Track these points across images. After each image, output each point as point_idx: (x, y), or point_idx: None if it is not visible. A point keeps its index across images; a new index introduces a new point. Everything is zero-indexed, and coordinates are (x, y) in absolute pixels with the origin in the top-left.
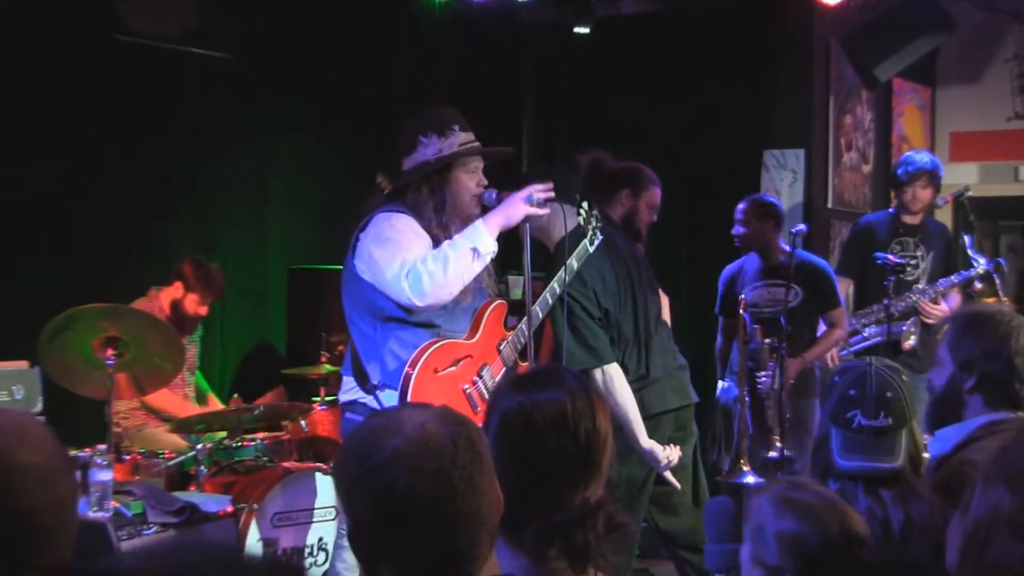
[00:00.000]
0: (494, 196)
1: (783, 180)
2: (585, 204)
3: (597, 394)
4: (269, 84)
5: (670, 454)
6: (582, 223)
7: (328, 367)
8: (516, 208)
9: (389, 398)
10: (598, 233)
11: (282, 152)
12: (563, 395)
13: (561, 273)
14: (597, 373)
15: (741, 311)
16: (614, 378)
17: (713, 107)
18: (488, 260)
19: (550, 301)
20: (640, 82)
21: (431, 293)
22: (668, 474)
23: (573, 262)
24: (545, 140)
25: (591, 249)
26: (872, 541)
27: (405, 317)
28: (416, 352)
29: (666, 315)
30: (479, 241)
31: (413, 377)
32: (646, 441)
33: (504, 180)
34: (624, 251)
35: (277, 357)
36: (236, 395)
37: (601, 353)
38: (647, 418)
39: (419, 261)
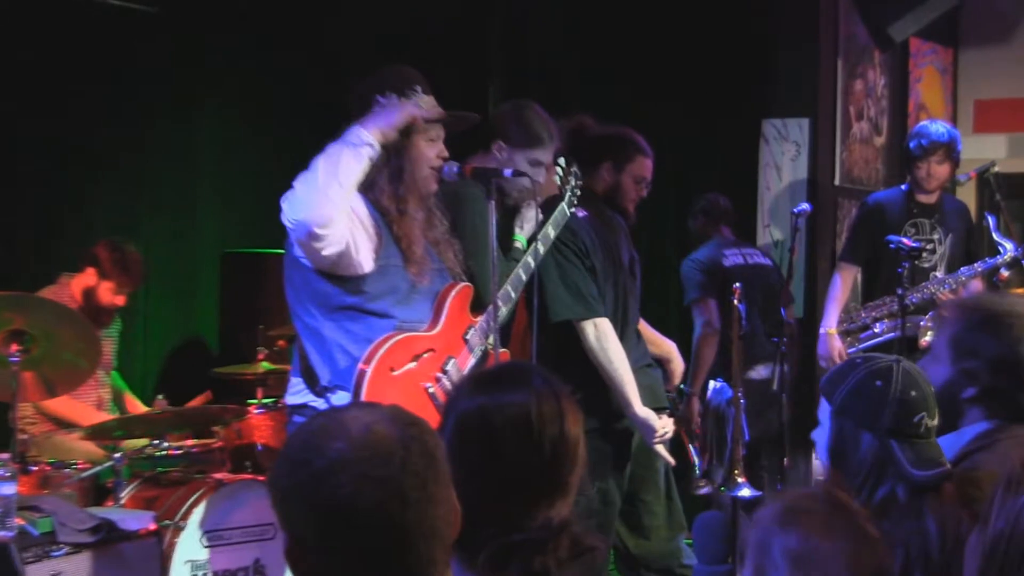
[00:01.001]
0: (455, 170)
1: (784, 154)
2: (562, 162)
3: (567, 397)
4: (200, 43)
5: (666, 424)
6: (559, 182)
7: (267, 365)
8: (400, 111)
9: (340, 399)
10: (576, 193)
11: (214, 121)
12: (527, 397)
13: (536, 245)
14: (588, 327)
15: (735, 301)
16: (607, 334)
17: (705, 70)
18: (366, 154)
19: (524, 278)
20: (623, 43)
21: (304, 200)
22: (661, 448)
23: (549, 229)
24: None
25: (569, 212)
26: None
27: (356, 304)
28: (370, 348)
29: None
30: (352, 136)
31: (368, 375)
32: (640, 408)
33: (468, 154)
34: (610, 229)
35: (208, 354)
36: (160, 396)
37: (593, 304)
38: (618, 418)
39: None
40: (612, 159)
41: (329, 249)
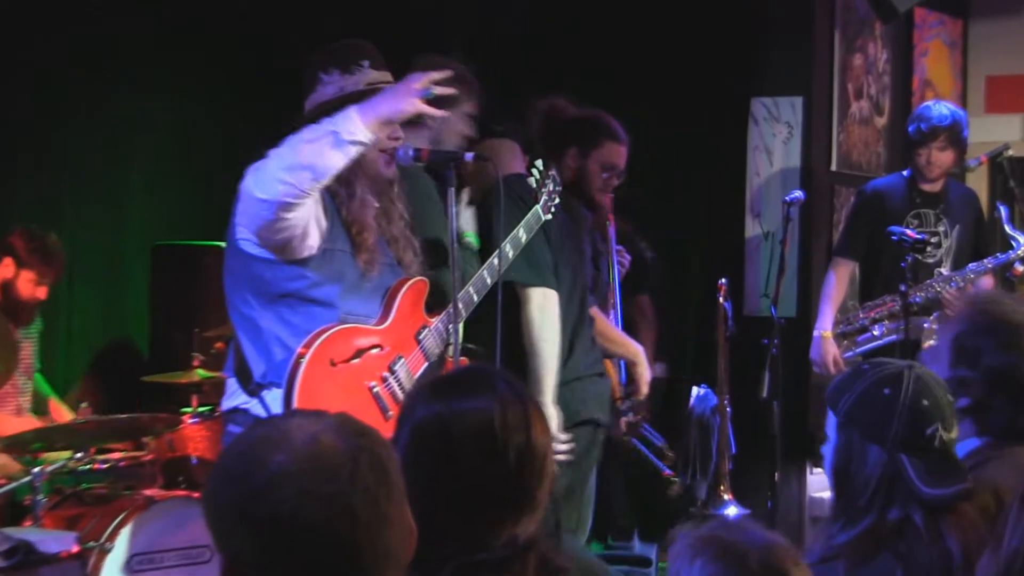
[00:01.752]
0: (411, 153)
1: (776, 136)
2: (539, 164)
3: (534, 404)
4: (129, 19)
5: (564, 446)
6: (535, 185)
7: (202, 372)
8: (404, 97)
9: (276, 398)
10: (555, 198)
11: (146, 103)
12: (490, 403)
13: (503, 247)
14: (535, 295)
15: (721, 299)
16: (551, 309)
17: (687, 44)
18: (354, 151)
19: (489, 282)
20: (599, 14)
21: (272, 179)
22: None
23: (520, 232)
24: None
25: (544, 217)
26: None
27: (297, 291)
28: (311, 335)
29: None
30: (343, 125)
31: (304, 364)
32: (551, 406)
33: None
34: (574, 221)
35: (137, 357)
36: (84, 404)
37: (546, 275)
38: (567, 426)
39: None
40: (578, 144)
41: (284, 233)
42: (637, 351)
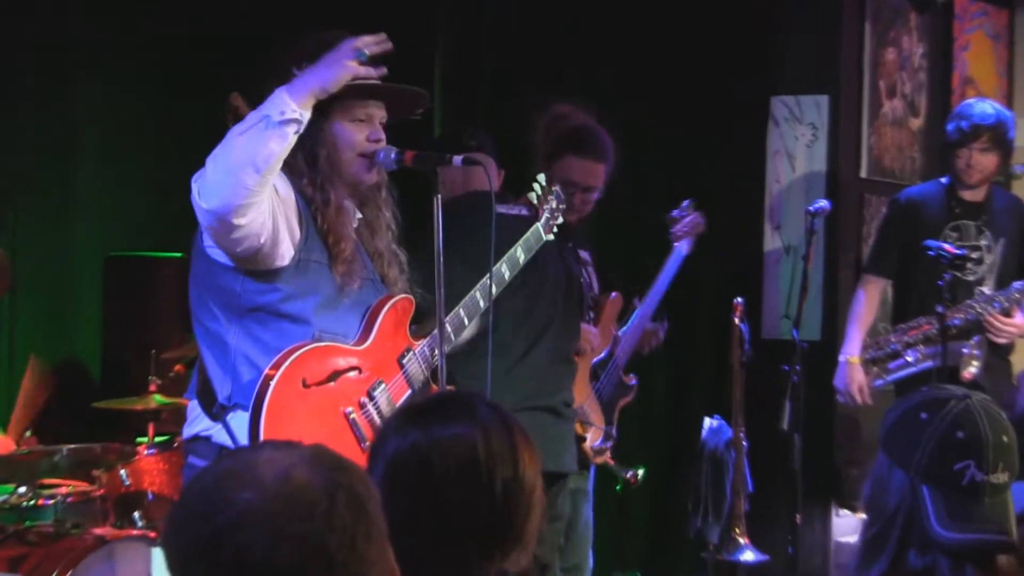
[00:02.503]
0: (392, 156)
1: (798, 138)
2: (541, 178)
3: (520, 430)
4: (80, 13)
5: None
6: (535, 201)
7: (160, 398)
8: (335, 64)
9: (242, 422)
10: (558, 216)
11: (98, 100)
12: (472, 431)
13: (500, 269)
14: None
15: (736, 320)
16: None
17: (700, 36)
18: (292, 132)
19: (481, 304)
20: (598, 2)
21: (213, 185)
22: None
23: (519, 252)
24: (465, 87)
25: (545, 237)
26: None
27: (268, 305)
28: (281, 354)
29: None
30: (272, 107)
31: (273, 384)
32: None
33: (413, 137)
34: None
35: (88, 381)
36: (28, 433)
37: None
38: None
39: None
40: (543, 156)
41: (246, 243)
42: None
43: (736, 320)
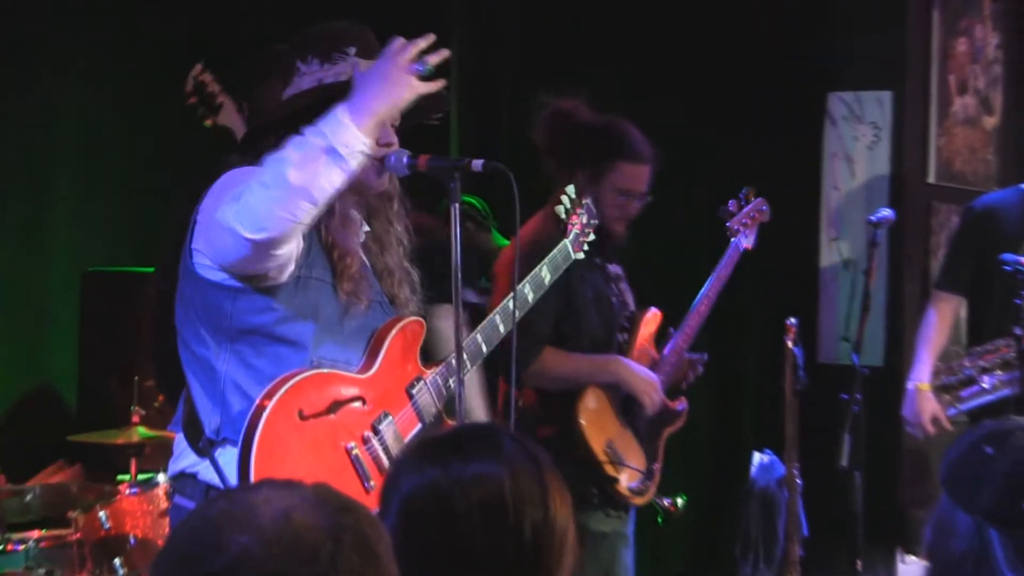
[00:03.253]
0: (404, 160)
1: (858, 139)
2: (570, 190)
3: (550, 468)
4: (50, 13)
5: None
6: (563, 216)
7: (144, 431)
8: (397, 80)
9: (231, 458)
10: (588, 233)
11: (73, 102)
12: (497, 468)
13: (522, 289)
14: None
15: (789, 343)
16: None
17: (748, 26)
18: (356, 166)
19: (501, 329)
20: None
21: (263, 214)
22: None
23: (544, 272)
24: (482, 80)
25: (574, 255)
26: None
27: (262, 327)
28: (274, 382)
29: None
30: (337, 136)
31: (266, 415)
32: None
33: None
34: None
35: (63, 411)
36: None
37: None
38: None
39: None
40: (588, 165)
41: (273, 270)
42: (614, 365)
43: (789, 343)
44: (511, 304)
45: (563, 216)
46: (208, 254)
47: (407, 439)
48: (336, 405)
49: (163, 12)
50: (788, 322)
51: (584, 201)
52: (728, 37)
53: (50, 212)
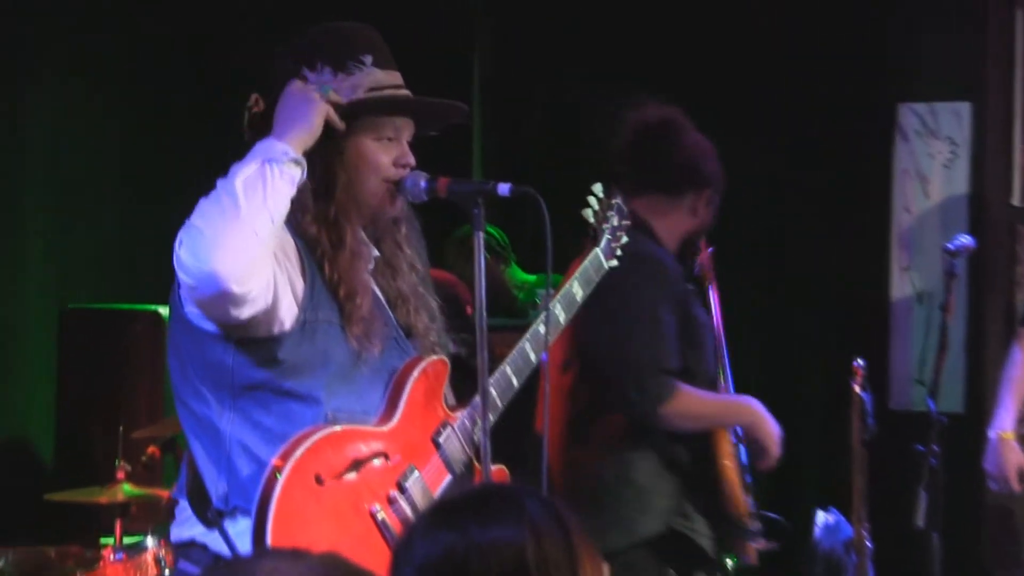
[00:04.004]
0: (422, 184)
1: (933, 156)
2: (598, 189)
3: (580, 533)
4: (26, 25)
5: None
6: (593, 220)
7: (129, 488)
8: (306, 102)
9: (243, 529)
10: (621, 237)
11: (46, 120)
12: (521, 533)
13: (551, 307)
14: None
15: (856, 388)
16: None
17: (810, 30)
18: (296, 172)
19: (533, 358)
20: None
21: (213, 244)
22: None
23: (575, 287)
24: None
25: (607, 264)
26: None
27: (267, 381)
28: (289, 443)
29: None
30: (268, 150)
31: (281, 483)
32: None
33: (449, 162)
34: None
35: (39, 466)
36: None
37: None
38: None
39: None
40: (712, 187)
41: (248, 310)
42: (750, 408)
43: (856, 387)
44: (542, 328)
45: (591, 220)
46: (191, 302)
47: (436, 493)
48: (357, 464)
49: (144, 41)
50: (855, 363)
51: (614, 201)
52: (785, 42)
53: (23, 244)
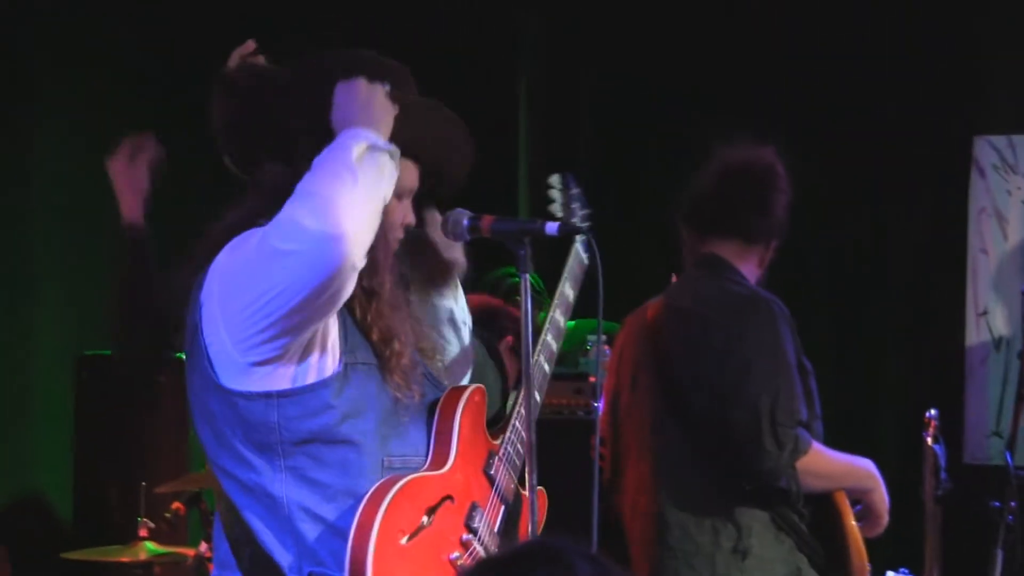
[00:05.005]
0: (464, 223)
1: (1011, 193)
2: (555, 179)
3: None
4: (33, 49)
5: None
6: (562, 213)
7: (152, 547)
8: (373, 97)
9: None
10: (587, 223)
11: (60, 161)
12: None
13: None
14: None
15: (928, 440)
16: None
17: (880, 59)
18: (395, 161)
19: (547, 369)
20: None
21: (342, 208)
22: None
23: (566, 287)
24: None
25: (585, 256)
26: None
27: (322, 432)
28: (362, 507)
29: None
30: (358, 137)
31: (371, 557)
32: None
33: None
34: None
35: (55, 523)
36: None
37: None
38: None
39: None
40: (777, 239)
41: (349, 288)
42: (870, 472)
43: (928, 440)
44: (551, 339)
45: (560, 214)
46: (238, 335)
47: (497, 528)
48: (430, 512)
49: (156, 72)
50: (928, 414)
51: (572, 190)
52: (853, 72)
53: (37, 286)
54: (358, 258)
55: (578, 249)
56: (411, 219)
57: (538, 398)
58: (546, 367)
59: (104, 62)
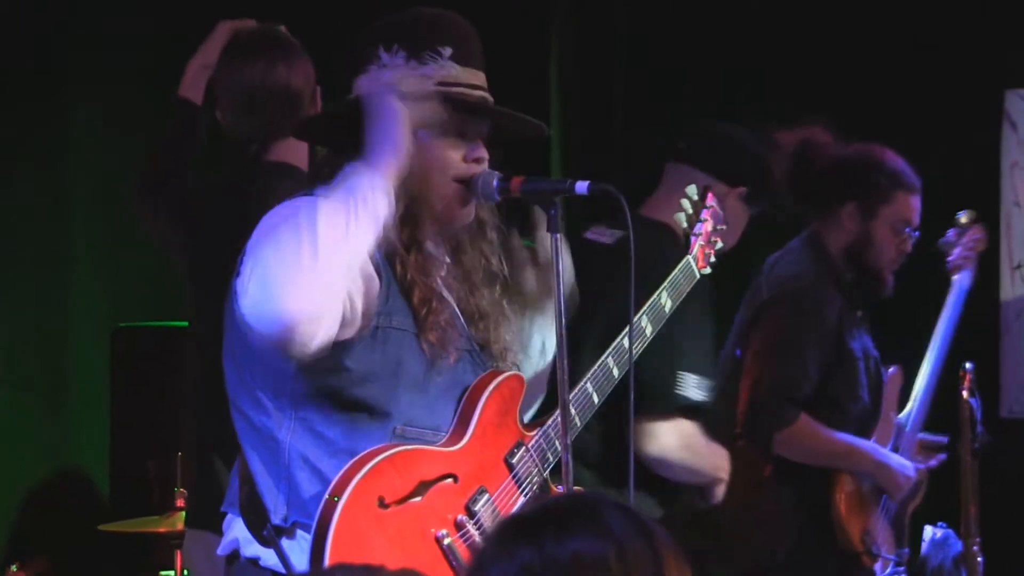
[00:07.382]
0: (494, 183)
1: None
2: (692, 190)
3: (666, 540)
4: (68, 37)
5: None
6: (684, 224)
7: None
8: (388, 119)
9: (302, 549)
10: (716, 243)
11: (95, 132)
12: (602, 545)
13: (640, 323)
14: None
15: (965, 394)
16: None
17: (906, 11)
18: (383, 211)
19: (616, 373)
20: None
21: (284, 287)
22: None
23: (663, 298)
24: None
25: (699, 272)
26: None
27: (334, 389)
28: (349, 464)
29: None
30: (358, 180)
31: (340, 509)
32: None
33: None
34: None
35: (92, 495)
36: (15, 567)
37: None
38: None
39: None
40: (858, 198)
41: (316, 342)
42: (868, 456)
43: (965, 393)
44: (626, 342)
45: (684, 224)
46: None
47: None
48: (423, 486)
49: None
50: (964, 368)
51: (709, 204)
52: (879, 27)
53: (72, 259)
54: (308, 338)
55: (690, 261)
56: (481, 154)
57: (596, 399)
58: (614, 370)
59: (137, 42)
